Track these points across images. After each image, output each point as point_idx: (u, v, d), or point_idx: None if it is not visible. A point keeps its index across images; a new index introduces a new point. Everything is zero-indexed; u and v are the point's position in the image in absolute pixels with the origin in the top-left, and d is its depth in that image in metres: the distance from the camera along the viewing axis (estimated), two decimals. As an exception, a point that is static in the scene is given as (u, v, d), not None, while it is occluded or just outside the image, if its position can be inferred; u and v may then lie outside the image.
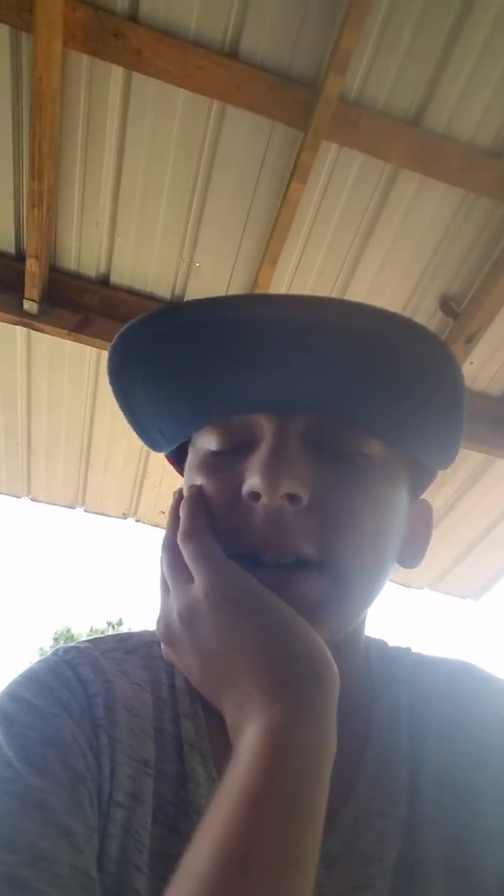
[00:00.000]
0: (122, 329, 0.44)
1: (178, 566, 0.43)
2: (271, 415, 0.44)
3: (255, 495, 0.41)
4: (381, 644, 0.56)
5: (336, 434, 0.44)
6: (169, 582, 0.44)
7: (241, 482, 0.43)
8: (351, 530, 0.43)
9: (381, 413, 0.44)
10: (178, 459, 0.54)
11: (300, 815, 0.32)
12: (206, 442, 0.47)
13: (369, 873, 0.42)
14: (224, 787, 0.34)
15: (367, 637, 0.55)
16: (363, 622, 0.51)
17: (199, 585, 0.41)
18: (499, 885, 0.41)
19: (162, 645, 0.44)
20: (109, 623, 17.50)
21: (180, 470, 0.54)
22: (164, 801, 0.43)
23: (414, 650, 0.56)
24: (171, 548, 0.45)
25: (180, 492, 0.49)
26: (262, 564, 0.41)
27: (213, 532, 0.43)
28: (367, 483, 0.44)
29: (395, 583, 3.48)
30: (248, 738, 0.35)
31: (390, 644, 0.56)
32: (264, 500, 0.41)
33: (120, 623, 17.49)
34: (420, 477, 0.52)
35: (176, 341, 0.43)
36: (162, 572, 0.46)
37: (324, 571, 0.42)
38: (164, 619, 0.43)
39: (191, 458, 0.49)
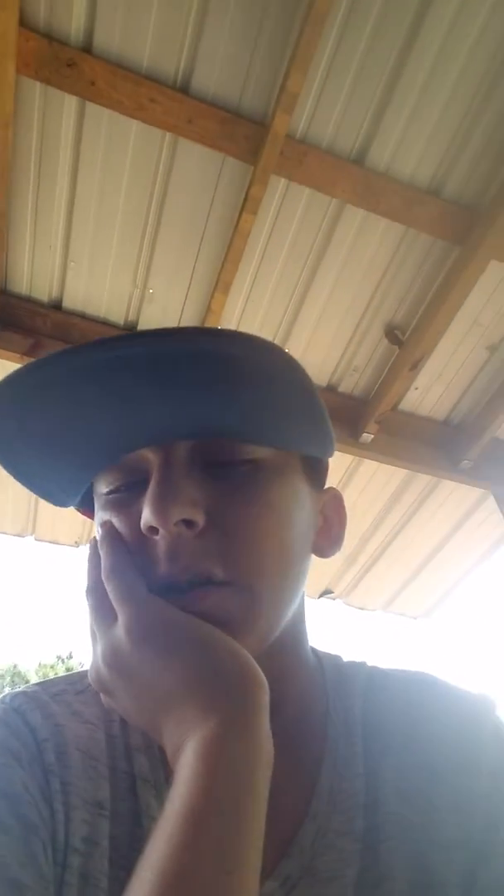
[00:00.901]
0: None
1: (102, 608, 0.43)
2: (155, 447, 0.45)
3: (153, 529, 0.42)
4: (335, 659, 0.56)
5: (218, 449, 0.45)
6: (94, 626, 0.43)
7: (139, 519, 0.43)
8: (252, 540, 0.43)
9: (251, 420, 0.45)
10: (90, 508, 0.53)
11: (237, 825, 0.32)
12: (103, 485, 0.48)
13: (329, 893, 0.42)
14: (165, 808, 0.34)
15: (321, 653, 0.55)
16: (299, 635, 0.51)
17: (121, 624, 0.40)
18: (462, 892, 0.42)
19: (100, 695, 0.43)
20: (59, 657, 16.81)
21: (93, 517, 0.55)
22: (120, 841, 0.42)
23: (369, 664, 0.56)
24: (94, 591, 0.44)
25: (93, 538, 0.49)
26: (178, 590, 0.41)
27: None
28: (259, 486, 0.45)
29: (351, 606, 3.51)
30: (185, 757, 0.35)
31: (345, 659, 0.57)
32: (160, 531, 0.41)
33: (70, 656, 16.83)
34: (315, 468, 0.53)
35: (46, 394, 0.42)
36: (90, 624, 0.45)
37: (234, 588, 0.42)
38: (95, 668, 0.42)
39: (97, 505, 0.49)
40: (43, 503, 2.81)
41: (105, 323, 2.15)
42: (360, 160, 1.80)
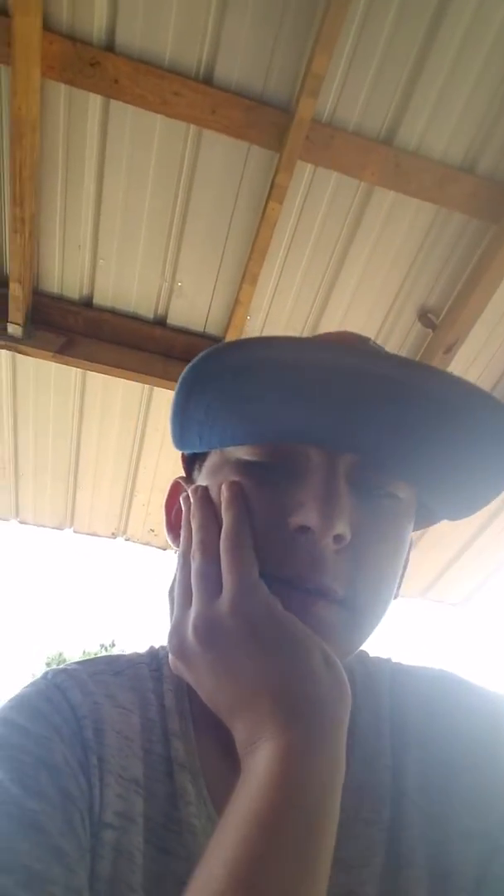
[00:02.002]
0: (208, 350, 0.45)
1: (208, 575, 0.43)
2: (321, 448, 0.45)
3: (306, 529, 0.42)
4: (361, 655, 0.57)
5: (374, 475, 0.46)
6: (194, 589, 0.43)
7: (286, 507, 0.43)
8: (376, 572, 0.45)
9: (423, 463, 0.45)
10: (189, 458, 0.54)
11: (311, 841, 0.33)
12: (246, 453, 0.47)
13: (356, 880, 0.43)
14: (235, 806, 0.34)
15: None
16: None
17: (226, 600, 0.41)
18: (476, 883, 0.43)
19: (171, 656, 0.44)
20: (102, 645, 17.27)
21: (188, 468, 0.55)
22: (155, 821, 0.43)
23: (393, 660, 0.58)
24: (204, 551, 0.44)
25: (204, 489, 0.48)
26: (294, 588, 0.42)
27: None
28: (396, 526, 0.47)
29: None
30: (261, 761, 0.35)
31: (371, 655, 0.57)
32: (316, 536, 0.42)
33: (112, 645, 17.27)
34: (425, 516, 0.54)
35: (253, 369, 0.45)
36: (181, 579, 0.45)
37: (345, 608, 0.43)
38: (180, 631, 0.43)
39: (217, 461, 0.49)
40: (80, 497, 2.88)
41: (135, 318, 2.17)
42: (389, 140, 1.76)
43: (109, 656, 0.55)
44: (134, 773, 0.45)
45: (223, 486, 0.46)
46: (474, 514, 0.51)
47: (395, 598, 0.53)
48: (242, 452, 0.47)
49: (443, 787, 0.47)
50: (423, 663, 0.58)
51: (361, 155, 1.74)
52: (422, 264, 2.03)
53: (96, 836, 0.41)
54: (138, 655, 0.54)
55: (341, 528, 0.41)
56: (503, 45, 1.57)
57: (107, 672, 0.51)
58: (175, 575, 0.47)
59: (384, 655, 0.58)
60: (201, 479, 0.51)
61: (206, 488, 0.49)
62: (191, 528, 0.47)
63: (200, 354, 0.45)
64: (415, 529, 0.54)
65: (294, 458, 0.45)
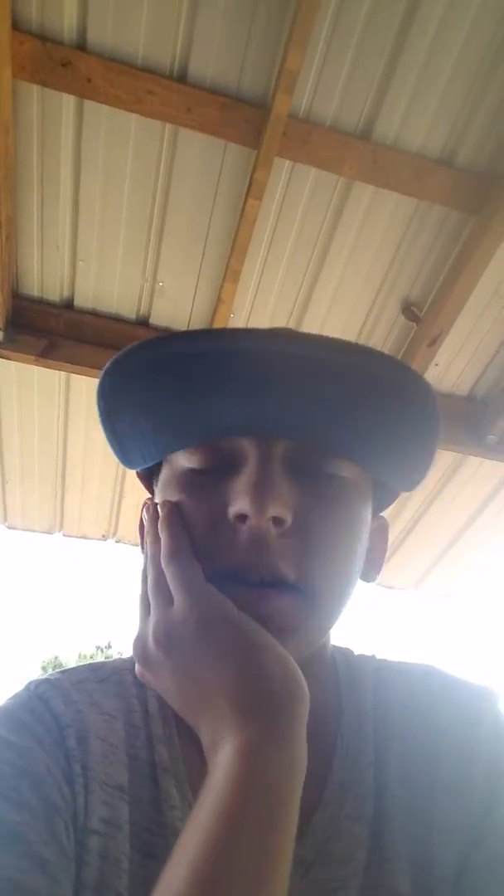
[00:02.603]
0: (116, 355, 0.45)
1: (160, 586, 0.44)
2: (254, 438, 0.46)
3: (243, 517, 0.43)
4: (346, 653, 0.58)
5: (314, 457, 0.46)
6: (151, 602, 0.45)
7: (224, 502, 0.44)
8: (327, 553, 0.45)
9: (360, 439, 0.46)
10: (146, 475, 0.55)
11: (271, 836, 0.33)
12: (187, 461, 0.48)
13: (342, 875, 0.44)
14: (199, 806, 0.34)
15: (333, 646, 0.56)
16: (329, 636, 0.53)
17: (178, 608, 0.42)
18: (458, 873, 0.44)
19: (137, 666, 0.45)
20: (98, 647, 17.23)
21: (148, 485, 0.56)
22: (141, 826, 0.44)
23: (378, 657, 0.58)
24: (154, 567, 0.46)
25: (155, 506, 0.50)
26: (245, 582, 0.42)
27: (194, 551, 0.44)
28: (344, 505, 0.47)
29: (381, 585, 3.50)
30: (222, 759, 0.36)
31: (356, 653, 0.58)
32: (252, 522, 0.42)
33: (109, 646, 17.23)
34: (383, 495, 0.54)
35: (168, 368, 0.45)
36: (142, 591, 0.47)
37: (299, 591, 0.43)
38: (142, 641, 0.44)
39: (167, 475, 0.50)
40: (68, 501, 2.85)
41: (117, 319, 2.15)
42: (366, 134, 1.75)
43: (93, 664, 0.55)
44: (119, 779, 0.45)
45: (159, 507, 0.48)
46: (421, 487, 0.52)
47: (373, 581, 0.54)
48: (185, 460, 0.48)
49: (424, 779, 0.48)
50: (409, 659, 0.59)
51: (339, 150, 1.74)
52: (403, 258, 2.03)
53: (82, 843, 0.41)
54: (123, 662, 0.54)
55: (275, 509, 0.42)
56: (478, 37, 1.57)
57: (91, 680, 0.51)
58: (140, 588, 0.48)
59: (369, 653, 0.58)
60: (158, 495, 0.52)
61: (156, 505, 0.50)
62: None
63: (105, 367, 0.46)
64: (381, 507, 0.55)
65: (232, 453, 0.46)
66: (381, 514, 0.57)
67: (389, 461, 0.49)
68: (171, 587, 0.43)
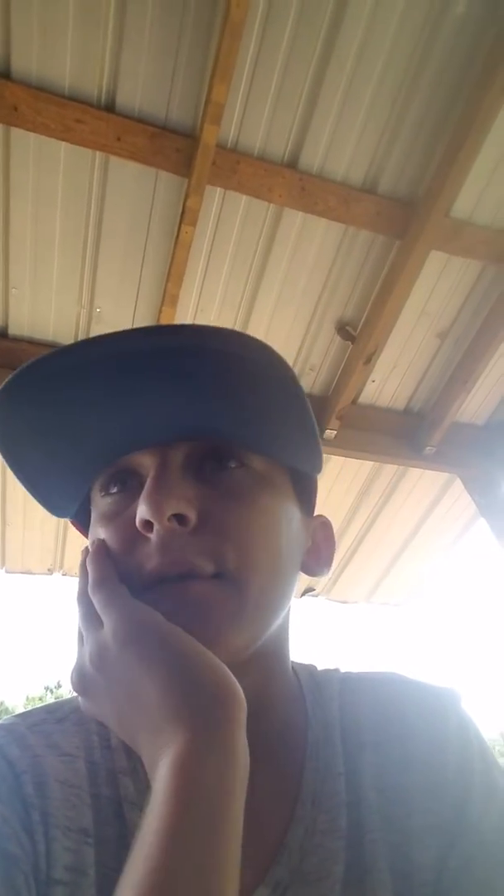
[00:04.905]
0: None
1: (90, 615, 0.44)
2: (151, 450, 0.46)
3: (147, 524, 0.43)
4: (310, 668, 0.58)
5: (213, 454, 0.47)
6: (83, 631, 0.44)
7: (134, 520, 0.44)
8: (243, 542, 0.44)
9: (245, 426, 0.46)
10: (83, 523, 0.54)
11: (213, 841, 0.32)
12: (100, 491, 0.48)
13: (320, 892, 0.43)
14: (143, 824, 0.33)
15: (296, 663, 0.56)
16: (283, 647, 0.52)
17: (107, 628, 0.41)
18: (437, 876, 0.44)
19: (79, 698, 0.44)
20: (47, 688, 16.46)
21: (84, 532, 0.54)
22: (108, 868, 0.42)
23: (342, 670, 0.58)
24: (83, 600, 0.45)
25: (86, 549, 0.49)
26: (167, 582, 0.42)
27: (120, 576, 0.44)
28: (251, 494, 0.46)
29: (334, 601, 3.54)
30: (160, 772, 0.34)
31: (319, 668, 0.58)
32: (155, 525, 0.42)
33: (59, 686, 16.49)
34: (305, 490, 0.54)
35: (46, 394, 0.43)
36: (78, 626, 0.46)
37: (221, 581, 0.43)
38: (78, 669, 0.43)
39: (94, 515, 0.50)
40: (10, 535, 2.75)
41: (54, 346, 2.10)
42: (292, 164, 1.82)
43: (49, 705, 0.53)
44: (82, 822, 0.43)
45: (89, 546, 0.48)
46: (322, 471, 0.52)
47: (323, 575, 0.54)
48: (98, 492, 0.49)
49: (399, 786, 0.48)
50: (371, 670, 0.59)
51: (267, 178, 1.80)
52: (336, 280, 2.11)
53: (46, 895, 0.39)
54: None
55: (172, 507, 0.42)
56: (394, 69, 1.67)
57: (48, 721, 0.49)
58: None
59: (332, 667, 0.59)
60: (90, 537, 0.51)
61: (86, 548, 0.49)
62: None
63: None
64: (310, 500, 0.55)
65: (135, 471, 0.47)
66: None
67: (280, 441, 0.49)
68: (99, 609, 0.43)
